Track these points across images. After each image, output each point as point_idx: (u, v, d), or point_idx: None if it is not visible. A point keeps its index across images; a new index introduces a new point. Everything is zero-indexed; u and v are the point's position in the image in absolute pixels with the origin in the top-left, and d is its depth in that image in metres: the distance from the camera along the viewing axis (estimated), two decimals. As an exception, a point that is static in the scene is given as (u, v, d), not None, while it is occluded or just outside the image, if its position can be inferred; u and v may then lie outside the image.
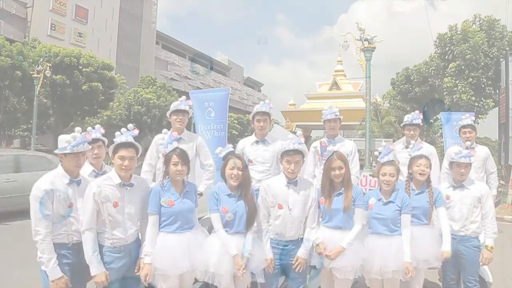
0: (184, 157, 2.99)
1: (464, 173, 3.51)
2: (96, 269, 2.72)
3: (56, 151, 2.92)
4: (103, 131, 3.48)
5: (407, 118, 4.56)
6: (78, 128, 2.98)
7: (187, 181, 3.10)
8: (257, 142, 4.21)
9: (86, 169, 3.31)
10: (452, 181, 3.61)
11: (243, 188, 3.06)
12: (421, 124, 4.51)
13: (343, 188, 3.18)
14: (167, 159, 3.00)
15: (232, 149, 3.21)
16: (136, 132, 2.96)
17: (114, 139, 2.89)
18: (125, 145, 2.85)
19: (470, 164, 3.53)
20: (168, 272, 2.79)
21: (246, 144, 4.26)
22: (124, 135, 2.88)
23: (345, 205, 3.11)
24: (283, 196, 3.14)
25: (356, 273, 3.11)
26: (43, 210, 2.67)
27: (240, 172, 3.02)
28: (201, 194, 3.90)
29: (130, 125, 2.99)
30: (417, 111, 4.58)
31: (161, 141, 3.80)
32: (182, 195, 2.98)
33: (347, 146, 4.23)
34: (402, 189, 3.41)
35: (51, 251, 2.67)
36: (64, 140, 2.81)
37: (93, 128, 3.45)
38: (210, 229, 3.15)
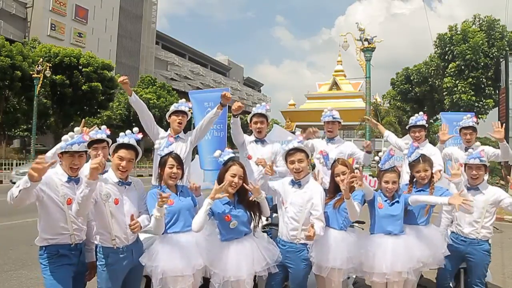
0: (179, 161, 3.03)
1: (477, 175, 3.42)
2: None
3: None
4: (108, 132, 3.47)
5: (412, 120, 4.51)
6: (77, 128, 2.96)
7: (180, 185, 3.13)
8: (256, 141, 4.28)
9: (88, 167, 3.30)
10: (467, 182, 3.52)
11: (240, 195, 3.06)
12: (426, 125, 4.50)
13: None
14: (162, 162, 3.02)
15: (233, 155, 3.18)
16: (140, 136, 2.97)
17: (117, 139, 2.90)
18: (126, 146, 2.86)
19: (484, 166, 3.43)
20: (184, 272, 2.77)
21: (246, 141, 4.30)
22: (127, 137, 2.89)
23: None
24: (285, 194, 3.22)
25: (344, 275, 3.12)
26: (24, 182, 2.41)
27: (240, 181, 3.03)
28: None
29: (135, 129, 2.99)
30: (421, 113, 4.55)
31: (162, 134, 3.91)
32: (178, 194, 3.04)
33: (346, 146, 4.31)
34: (405, 189, 3.45)
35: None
36: (63, 139, 2.81)
37: (100, 128, 3.40)
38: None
